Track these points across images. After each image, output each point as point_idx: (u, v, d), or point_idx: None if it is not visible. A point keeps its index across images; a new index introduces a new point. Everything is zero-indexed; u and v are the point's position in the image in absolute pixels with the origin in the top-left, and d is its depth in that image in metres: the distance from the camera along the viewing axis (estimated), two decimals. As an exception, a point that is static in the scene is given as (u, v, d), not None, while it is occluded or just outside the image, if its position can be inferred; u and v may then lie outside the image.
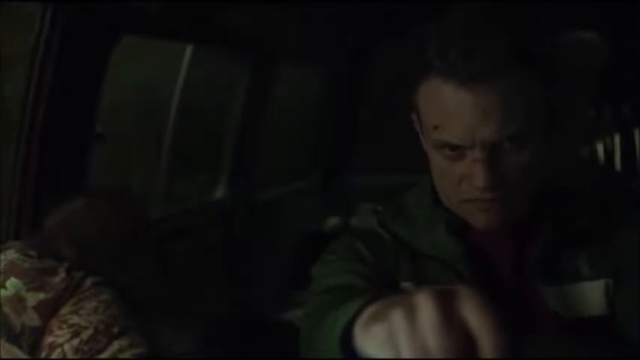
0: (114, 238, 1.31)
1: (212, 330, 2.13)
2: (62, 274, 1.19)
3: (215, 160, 2.71)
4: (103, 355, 1.12)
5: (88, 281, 1.20)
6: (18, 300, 1.15)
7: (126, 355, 1.13)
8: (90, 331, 1.13)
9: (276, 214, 2.91)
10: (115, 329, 1.15)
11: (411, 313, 0.51)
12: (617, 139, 2.83)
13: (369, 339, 0.55)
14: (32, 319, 1.14)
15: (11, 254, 1.22)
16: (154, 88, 2.50)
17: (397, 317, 0.52)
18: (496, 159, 0.79)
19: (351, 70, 3.34)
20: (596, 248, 0.86)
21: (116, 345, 1.13)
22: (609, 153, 2.82)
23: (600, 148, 2.87)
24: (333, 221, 3.05)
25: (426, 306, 0.51)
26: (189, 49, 2.42)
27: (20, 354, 1.12)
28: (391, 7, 2.54)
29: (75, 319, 1.14)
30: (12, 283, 1.17)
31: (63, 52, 1.54)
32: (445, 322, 0.50)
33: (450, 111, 0.78)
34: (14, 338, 1.12)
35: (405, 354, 0.50)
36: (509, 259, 0.87)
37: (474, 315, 0.51)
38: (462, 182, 0.82)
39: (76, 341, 1.12)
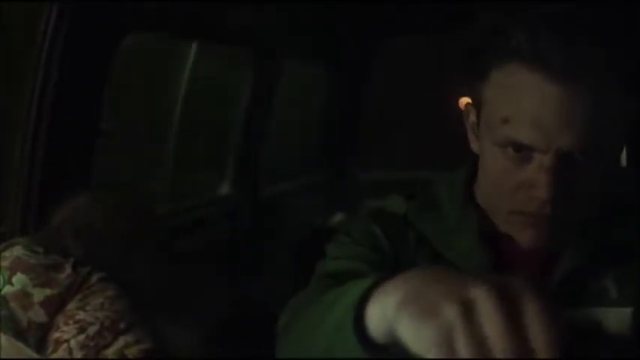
0: (118, 233, 1.31)
1: (215, 327, 2.13)
2: (68, 270, 1.20)
3: (220, 157, 2.71)
4: (109, 351, 1.12)
5: (94, 277, 1.21)
6: (24, 295, 1.15)
7: (132, 350, 1.13)
8: (96, 327, 1.14)
9: (281, 210, 2.91)
10: (121, 325, 1.16)
11: (469, 312, 0.47)
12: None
13: (416, 340, 0.49)
14: (38, 315, 1.14)
15: (17, 250, 1.22)
16: (160, 85, 2.50)
17: (452, 315, 0.48)
18: (566, 171, 0.68)
19: (355, 66, 3.34)
20: (629, 270, 0.76)
21: (122, 341, 1.14)
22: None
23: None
24: (337, 217, 3.05)
25: (487, 304, 0.47)
26: (194, 46, 2.42)
27: (26, 350, 1.13)
28: (392, 7, 2.54)
29: (81, 315, 1.15)
30: (18, 278, 1.17)
31: (69, 48, 1.54)
32: (511, 325, 0.47)
33: (529, 105, 0.67)
34: (20, 334, 1.13)
35: (465, 355, 0.47)
36: (535, 275, 0.78)
37: (536, 322, 0.47)
38: (518, 190, 0.72)
39: (82, 337, 1.12)
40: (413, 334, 0.49)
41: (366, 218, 0.86)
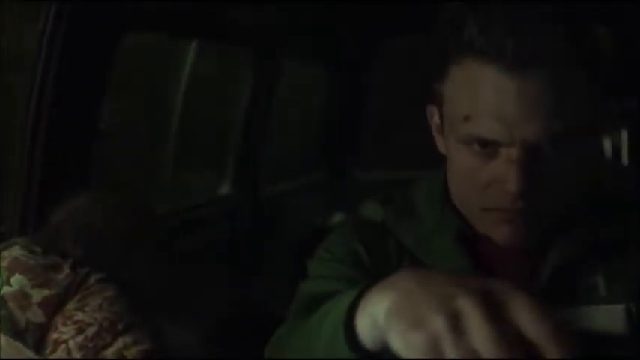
0: (118, 233, 1.31)
1: (215, 327, 2.13)
2: (67, 271, 1.19)
3: (220, 157, 2.71)
4: (108, 352, 1.12)
5: (93, 277, 1.21)
6: (23, 296, 1.15)
7: (131, 351, 1.13)
8: (95, 328, 1.13)
9: (281, 210, 2.91)
10: (120, 326, 1.15)
11: (456, 322, 0.47)
12: (624, 135, 2.81)
13: (406, 352, 0.49)
14: (37, 316, 1.14)
15: (16, 251, 1.22)
16: (160, 85, 2.50)
17: (439, 326, 0.47)
18: (534, 163, 0.67)
19: (355, 66, 3.34)
20: (618, 266, 0.74)
21: (121, 342, 1.13)
22: (616, 150, 2.81)
23: (607, 144, 2.85)
24: (337, 217, 3.05)
25: (473, 314, 0.47)
26: (194, 46, 2.42)
27: (25, 350, 1.13)
28: (392, 7, 2.54)
29: (80, 316, 1.15)
30: (17, 279, 1.17)
31: (68, 48, 1.54)
32: (500, 328, 0.46)
33: (489, 99, 0.66)
34: (19, 334, 1.13)
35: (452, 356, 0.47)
36: (519, 274, 0.75)
37: (534, 323, 0.47)
38: (489, 187, 0.70)
39: (80, 338, 1.12)
40: (402, 346, 0.49)
41: (346, 232, 0.84)
